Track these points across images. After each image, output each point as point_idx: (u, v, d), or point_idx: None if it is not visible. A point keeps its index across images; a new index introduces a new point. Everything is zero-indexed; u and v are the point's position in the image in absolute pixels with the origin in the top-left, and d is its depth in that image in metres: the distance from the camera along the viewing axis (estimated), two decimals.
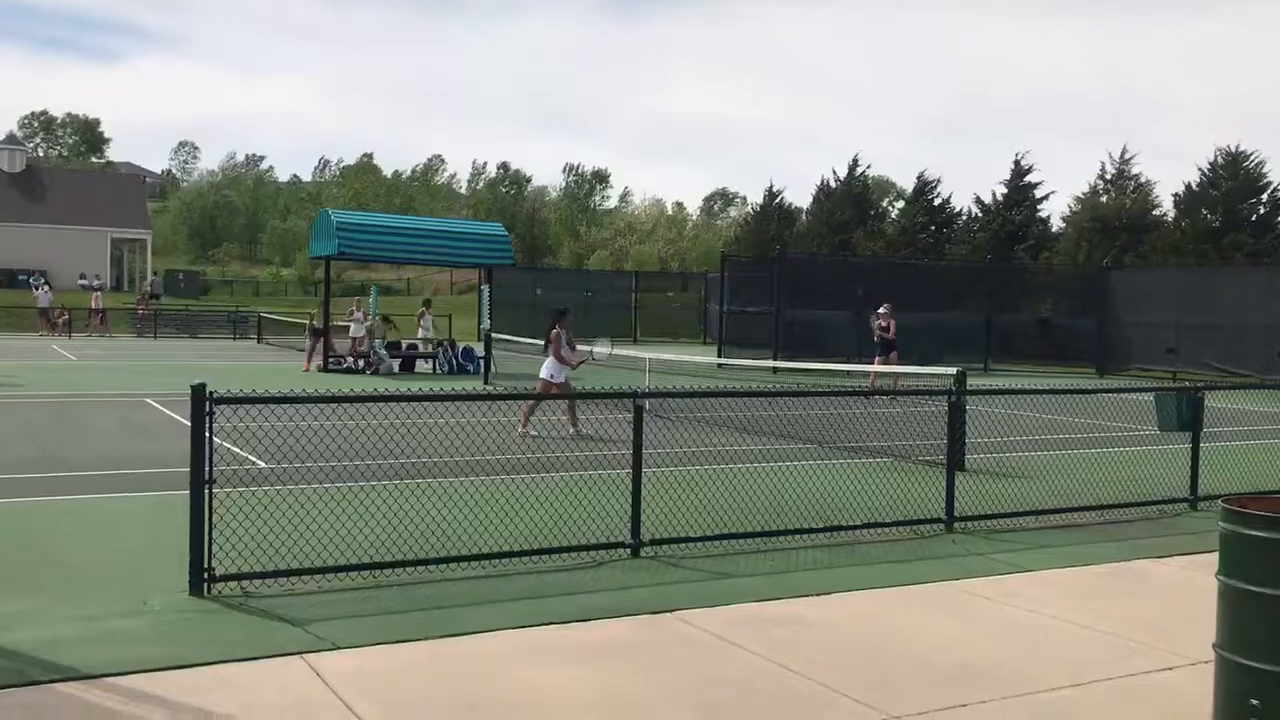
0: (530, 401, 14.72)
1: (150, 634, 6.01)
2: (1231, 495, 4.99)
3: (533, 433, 14.53)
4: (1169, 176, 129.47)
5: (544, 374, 15.08)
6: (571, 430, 14.70)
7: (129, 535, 8.65)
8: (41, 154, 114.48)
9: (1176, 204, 43.21)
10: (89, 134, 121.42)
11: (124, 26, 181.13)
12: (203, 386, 6.64)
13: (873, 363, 22.15)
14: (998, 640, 6.34)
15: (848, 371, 22.64)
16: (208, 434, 6.64)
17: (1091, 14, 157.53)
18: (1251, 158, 41.42)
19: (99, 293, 50.50)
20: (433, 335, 29.36)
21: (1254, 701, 4.53)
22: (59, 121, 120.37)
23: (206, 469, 6.64)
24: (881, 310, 23.41)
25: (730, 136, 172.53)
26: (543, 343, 16.02)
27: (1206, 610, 4.84)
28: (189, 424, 6.72)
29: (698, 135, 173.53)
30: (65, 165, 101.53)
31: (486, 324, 26.37)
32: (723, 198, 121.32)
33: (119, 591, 6.81)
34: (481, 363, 25.86)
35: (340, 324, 29.32)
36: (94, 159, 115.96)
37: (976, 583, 7.63)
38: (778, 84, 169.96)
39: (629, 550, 8.00)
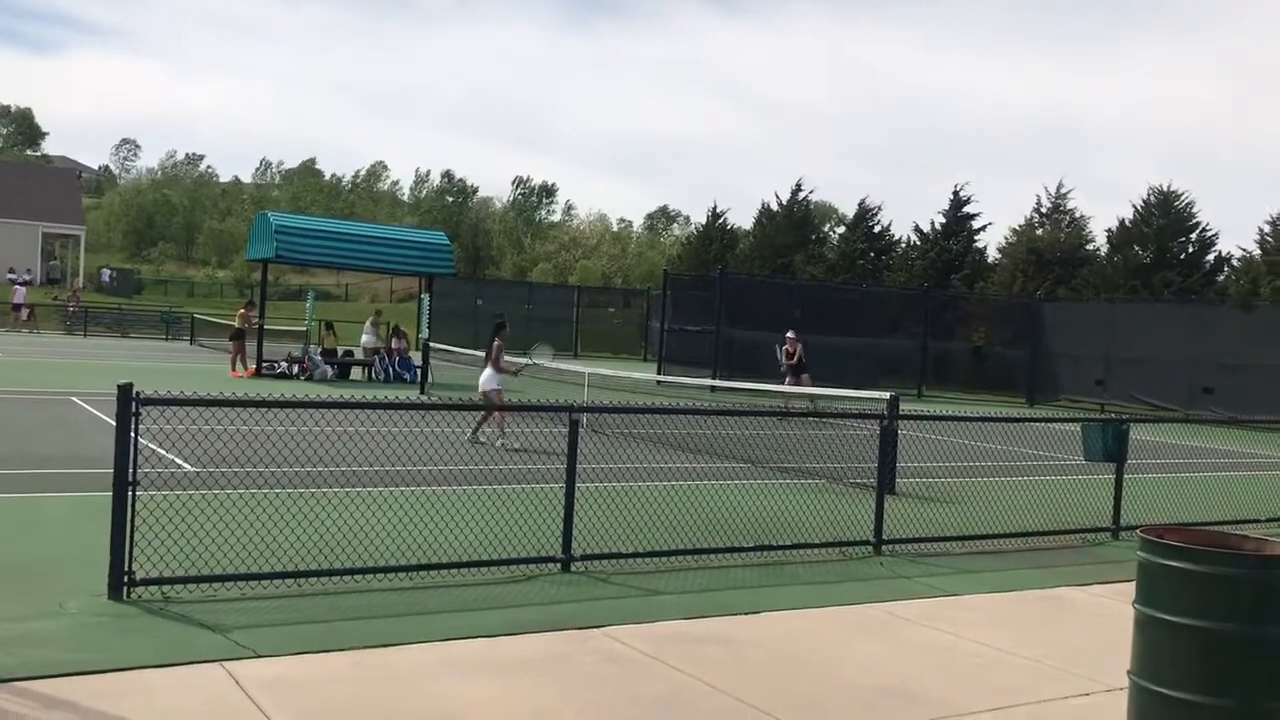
0: (485, 413, 14.70)
1: (65, 637, 5.87)
2: (1150, 526, 5.10)
3: (482, 439, 14.62)
4: (1103, 212, 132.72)
5: (491, 385, 15.12)
6: (500, 442, 14.72)
7: (48, 536, 8.46)
8: None
9: (1109, 239, 44.14)
10: (25, 126, 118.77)
11: (62, 18, 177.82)
12: (129, 386, 6.52)
13: (788, 384, 22.49)
14: (921, 663, 6.41)
15: (784, 393, 22.79)
16: (133, 435, 6.52)
17: (1036, 49, 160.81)
18: (1182, 197, 42.42)
19: (23, 288, 49.34)
20: (375, 344, 29.18)
21: None
22: None
23: (131, 470, 6.53)
24: (789, 335, 23.79)
25: (675, 154, 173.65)
26: (484, 354, 15.99)
27: (1124, 637, 4.94)
28: (114, 424, 6.60)
29: (642, 152, 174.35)
30: None
31: (425, 333, 26.18)
32: (666, 215, 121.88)
33: (35, 593, 6.66)
34: (419, 372, 25.70)
35: (276, 328, 29.02)
36: (30, 152, 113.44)
37: (902, 605, 7.72)
38: (725, 104, 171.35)
39: (560, 565, 7.98)
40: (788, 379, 23.03)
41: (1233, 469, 17.64)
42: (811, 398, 21.12)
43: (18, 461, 11.75)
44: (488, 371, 15.32)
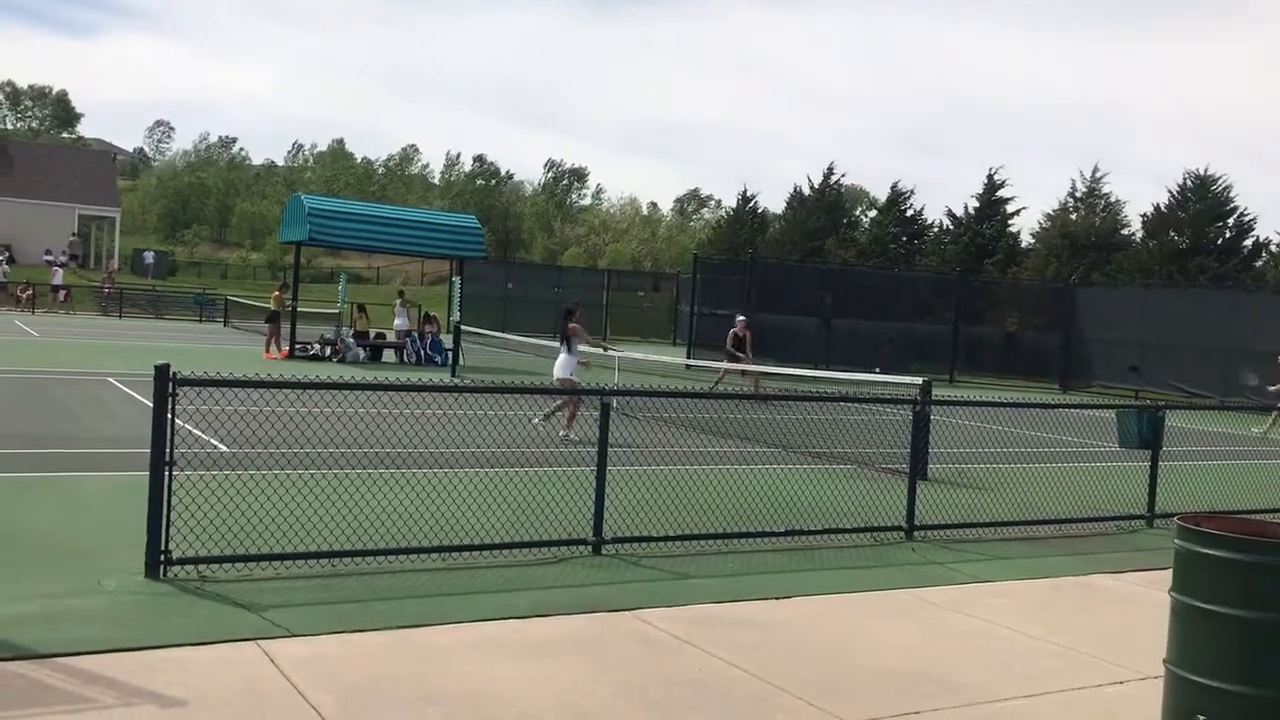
0: (569, 404, 14.14)
1: (104, 615, 5.95)
2: (1187, 514, 5.06)
3: (573, 436, 13.98)
4: (1139, 196, 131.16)
5: (565, 372, 14.64)
6: (563, 433, 14.17)
7: (87, 515, 8.57)
8: (10, 126, 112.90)
9: (1145, 224, 43.69)
10: (61, 108, 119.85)
11: (97, 1, 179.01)
12: (166, 367, 6.58)
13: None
14: (952, 649, 6.39)
15: (815, 377, 22.75)
16: (170, 415, 6.59)
17: (1073, 30, 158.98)
18: (1219, 181, 41.94)
19: (60, 269, 49.87)
20: (408, 326, 29.33)
21: (1200, 717, 4.60)
22: (25, 94, 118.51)
23: (167, 451, 6.59)
24: (739, 319, 24.00)
25: (706, 138, 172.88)
26: (559, 340, 15.41)
27: (1158, 626, 4.90)
28: (151, 405, 6.66)
29: (673, 135, 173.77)
30: (35, 139, 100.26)
31: (456, 316, 26.28)
32: (696, 199, 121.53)
33: (74, 571, 6.75)
34: (450, 354, 25.81)
35: (308, 311, 29.22)
36: (65, 134, 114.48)
37: (933, 591, 7.69)
38: (756, 87, 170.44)
39: (591, 548, 8.00)
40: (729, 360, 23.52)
41: (1269, 457, 17.44)
42: (755, 377, 21.82)
43: (56, 441, 11.90)
44: (562, 357, 14.76)
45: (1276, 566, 4.55)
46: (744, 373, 22.71)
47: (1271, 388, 22.86)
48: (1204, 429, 20.19)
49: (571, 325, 14.97)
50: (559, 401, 14.54)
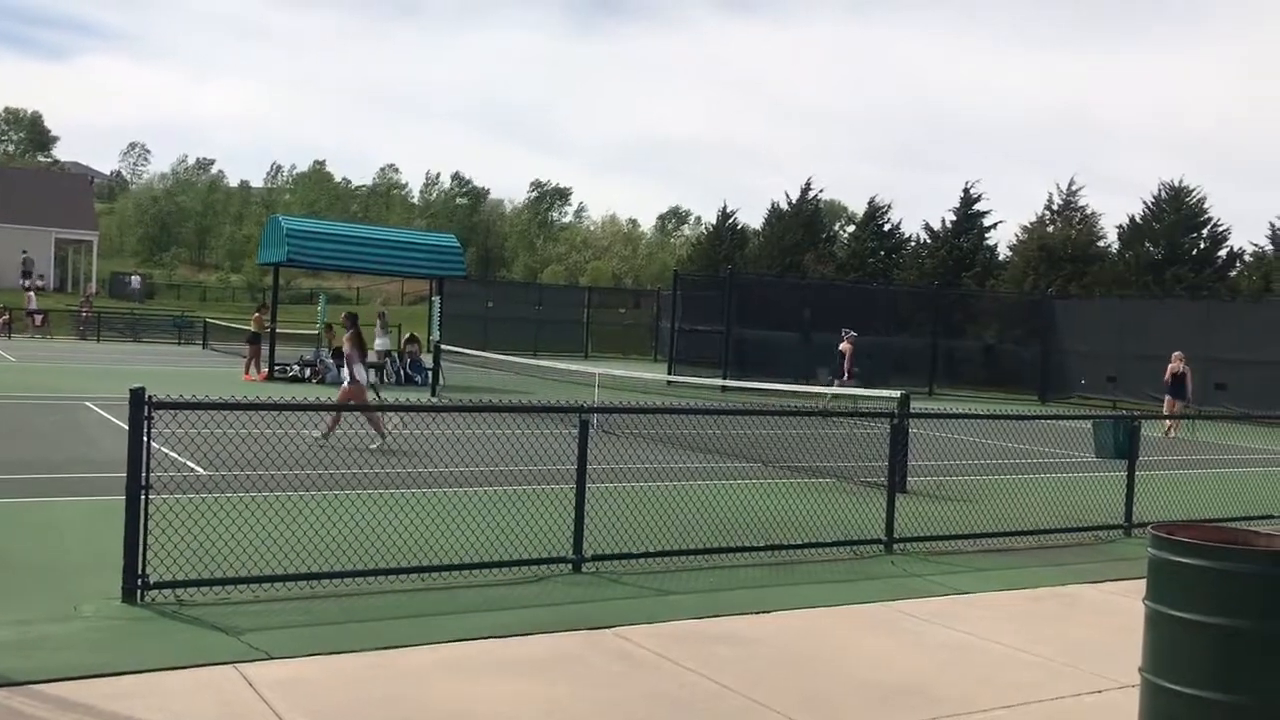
0: (369, 417, 13.20)
1: (80, 641, 5.91)
2: (1161, 523, 5.10)
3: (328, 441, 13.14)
4: (1115, 209, 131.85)
5: (361, 378, 14.25)
6: (377, 443, 13.14)
7: (64, 540, 8.51)
8: None
9: (1120, 236, 44.03)
10: (35, 132, 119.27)
11: (69, 22, 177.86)
12: (142, 390, 6.56)
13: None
14: (933, 661, 6.41)
15: (795, 392, 22.80)
16: (146, 439, 6.56)
17: (1047, 45, 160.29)
18: (1193, 193, 42.32)
19: (32, 293, 49.54)
20: (388, 347, 29.24)
21: None
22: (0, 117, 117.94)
23: (144, 474, 6.56)
24: (849, 333, 24.67)
25: (687, 155, 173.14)
26: (340, 350, 15.03)
27: (1137, 635, 4.93)
28: (128, 428, 6.64)
29: (654, 152, 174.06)
30: (10, 163, 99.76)
31: (436, 335, 26.25)
32: (677, 216, 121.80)
33: (51, 597, 6.70)
34: (430, 374, 25.77)
35: (287, 332, 29.12)
36: (41, 157, 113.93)
37: (913, 604, 7.71)
38: (735, 103, 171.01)
39: (571, 565, 8.00)
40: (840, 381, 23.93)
41: (1245, 465, 17.57)
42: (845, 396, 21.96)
43: (32, 466, 11.82)
44: (357, 366, 14.31)
45: (1248, 574, 4.59)
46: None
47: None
48: (1181, 438, 20.33)
49: (351, 333, 14.70)
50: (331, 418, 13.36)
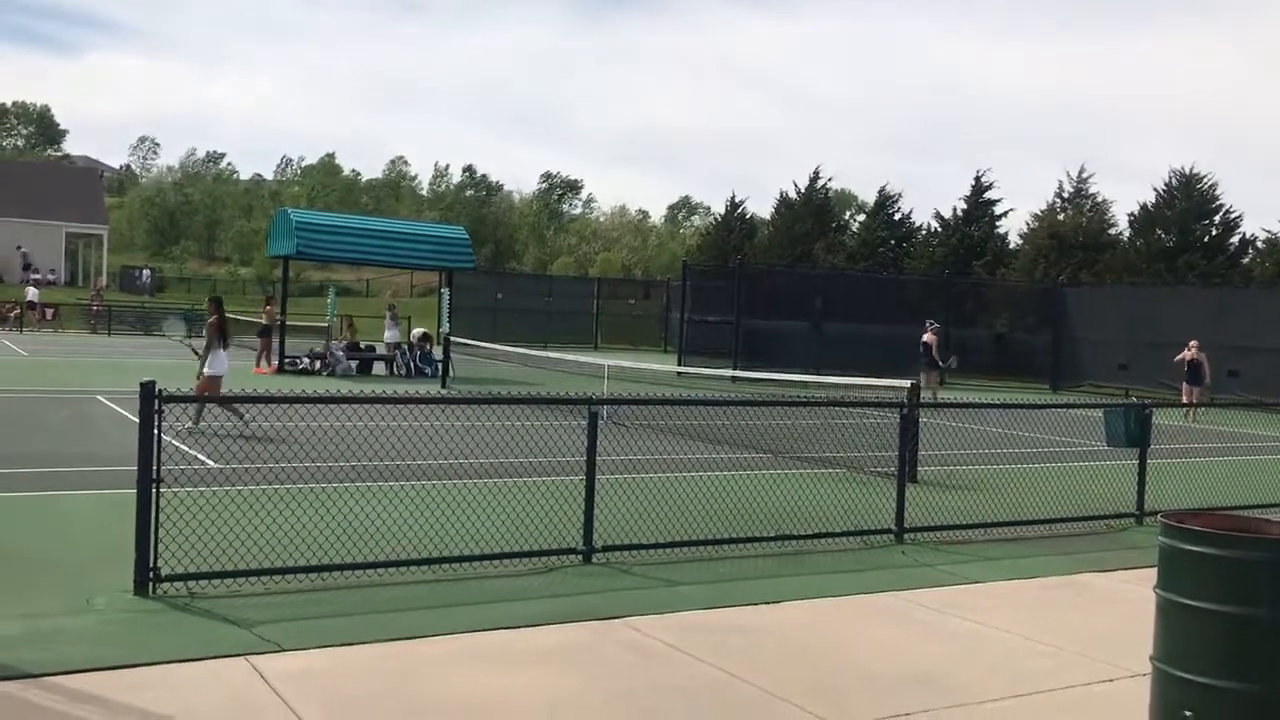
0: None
1: (93, 633, 5.94)
2: (1171, 511, 5.08)
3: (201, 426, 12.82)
4: (1126, 196, 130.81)
5: (220, 370, 13.81)
6: (195, 425, 12.77)
7: (75, 533, 8.54)
8: None
9: (1132, 223, 43.83)
10: (45, 126, 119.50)
11: (79, 17, 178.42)
12: (152, 384, 6.58)
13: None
14: (943, 650, 6.41)
15: (804, 382, 22.77)
16: (156, 432, 6.58)
17: (1056, 31, 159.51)
18: (1205, 180, 42.09)
19: (34, 288, 49.68)
20: (397, 339, 29.28)
21: (1187, 713, 4.61)
22: (9, 111, 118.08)
23: (154, 468, 6.58)
24: (933, 325, 25.43)
25: (696, 145, 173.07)
26: (209, 337, 14.47)
27: (1148, 623, 4.92)
28: (138, 421, 6.66)
29: (663, 143, 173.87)
30: (20, 157, 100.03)
31: (446, 328, 26.26)
32: (687, 206, 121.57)
33: (63, 590, 6.73)
34: (440, 366, 25.80)
35: (298, 324, 29.17)
36: (50, 152, 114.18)
37: (923, 593, 7.71)
38: (744, 93, 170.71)
39: (581, 556, 8.00)
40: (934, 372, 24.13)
41: (1258, 452, 17.51)
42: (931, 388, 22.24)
43: (44, 460, 11.87)
44: (222, 354, 14.11)
45: (1259, 562, 4.57)
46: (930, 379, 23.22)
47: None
48: (1192, 426, 20.27)
49: (215, 319, 14.39)
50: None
